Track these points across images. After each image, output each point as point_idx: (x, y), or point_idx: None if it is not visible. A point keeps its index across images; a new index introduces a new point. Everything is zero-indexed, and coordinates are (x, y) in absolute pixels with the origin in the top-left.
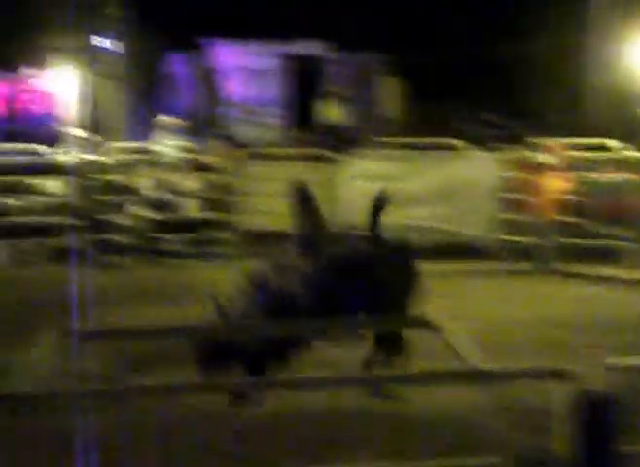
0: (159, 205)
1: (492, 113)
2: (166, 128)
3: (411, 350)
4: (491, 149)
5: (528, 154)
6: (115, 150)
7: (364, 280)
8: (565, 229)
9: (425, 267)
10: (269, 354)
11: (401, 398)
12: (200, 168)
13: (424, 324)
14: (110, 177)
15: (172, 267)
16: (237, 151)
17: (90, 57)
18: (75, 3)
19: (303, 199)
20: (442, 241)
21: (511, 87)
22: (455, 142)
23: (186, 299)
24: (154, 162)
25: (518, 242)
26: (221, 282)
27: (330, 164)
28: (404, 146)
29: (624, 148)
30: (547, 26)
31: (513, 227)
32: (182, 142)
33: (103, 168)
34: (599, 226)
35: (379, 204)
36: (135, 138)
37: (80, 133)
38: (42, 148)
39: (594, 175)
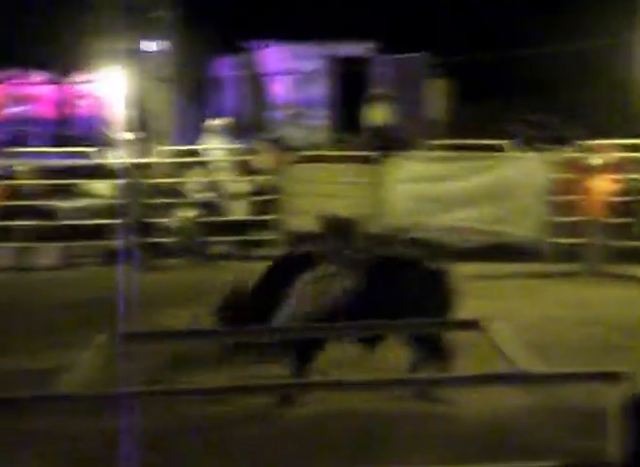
0: (206, 207)
1: (539, 114)
2: (214, 131)
3: (451, 353)
4: (539, 150)
5: (576, 155)
6: (163, 152)
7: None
8: (613, 230)
9: (472, 269)
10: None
11: (447, 400)
12: (248, 170)
13: (473, 326)
14: (158, 180)
15: (219, 268)
16: (284, 153)
17: (139, 61)
18: (123, 6)
19: (336, 232)
20: (489, 243)
21: (558, 87)
22: (503, 143)
23: None
24: (202, 165)
25: (566, 244)
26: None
27: (376, 166)
28: (450, 147)
29: None
30: (595, 25)
31: (560, 228)
32: (230, 144)
33: (152, 171)
34: None
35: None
36: (183, 141)
37: (128, 136)
38: (91, 151)
39: None
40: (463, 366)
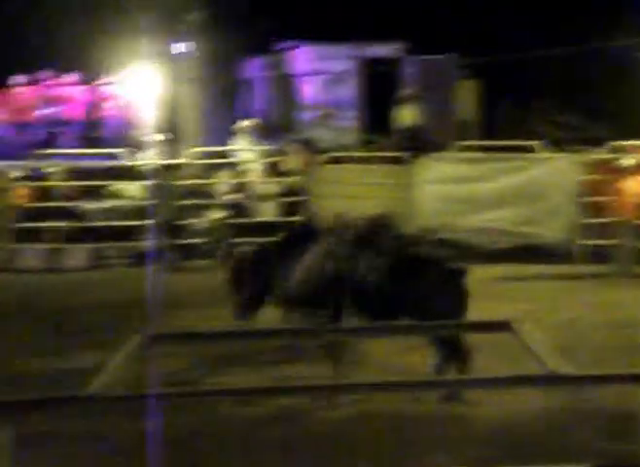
0: (235, 209)
1: (568, 114)
2: (243, 132)
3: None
4: (570, 151)
5: (608, 156)
6: (192, 154)
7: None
8: None
9: (501, 270)
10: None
11: (475, 402)
12: (277, 172)
13: (504, 327)
14: (187, 181)
15: None
16: (313, 154)
17: (169, 62)
18: (154, 8)
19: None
20: (518, 244)
21: (587, 87)
22: (534, 144)
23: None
24: (231, 166)
25: (597, 245)
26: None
27: (405, 167)
28: (481, 148)
29: None
30: (625, 26)
31: (592, 230)
32: (259, 146)
33: (181, 172)
34: None
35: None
36: (213, 142)
37: (158, 138)
38: (121, 152)
39: None
40: (493, 367)
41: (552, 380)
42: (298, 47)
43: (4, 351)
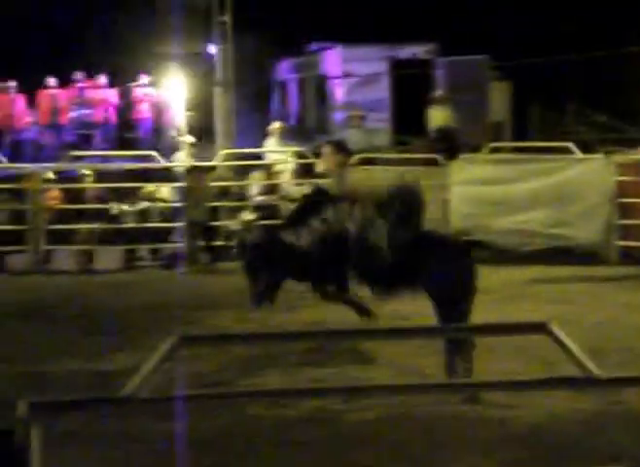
0: (267, 210)
1: (604, 116)
2: (276, 134)
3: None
4: (605, 152)
5: None
6: (226, 156)
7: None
8: None
9: (536, 272)
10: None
11: (506, 405)
12: (310, 174)
13: (540, 329)
14: (219, 183)
15: None
16: (346, 156)
17: (201, 64)
18: (186, 11)
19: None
20: (553, 246)
21: (623, 89)
22: (568, 145)
23: (295, 303)
24: (263, 168)
25: (633, 247)
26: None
27: (439, 169)
28: (514, 150)
29: None
30: None
31: (626, 231)
32: (292, 147)
33: (213, 174)
34: None
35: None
36: (246, 144)
37: (190, 139)
38: (154, 154)
39: None
40: (529, 369)
41: (591, 383)
42: (330, 48)
43: (37, 352)
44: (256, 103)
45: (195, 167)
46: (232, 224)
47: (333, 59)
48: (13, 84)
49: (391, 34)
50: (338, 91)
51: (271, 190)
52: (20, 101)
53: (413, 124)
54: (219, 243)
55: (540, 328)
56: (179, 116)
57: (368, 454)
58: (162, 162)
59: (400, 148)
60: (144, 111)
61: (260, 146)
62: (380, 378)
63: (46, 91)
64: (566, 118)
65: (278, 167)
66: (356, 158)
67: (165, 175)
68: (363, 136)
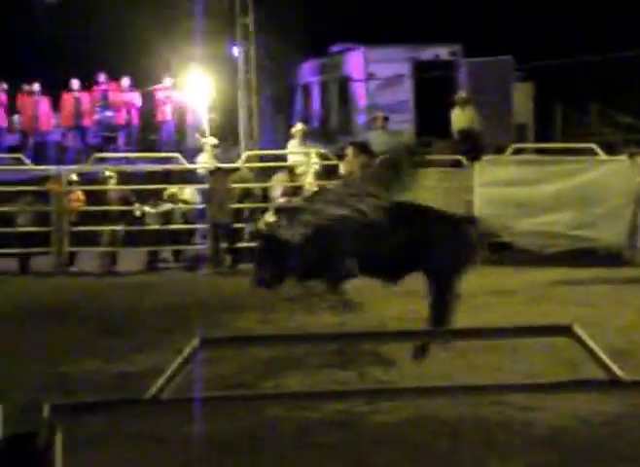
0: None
1: (629, 116)
2: (299, 136)
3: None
4: (629, 153)
5: None
6: (249, 157)
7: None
8: None
9: (559, 273)
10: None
11: (530, 407)
12: (334, 175)
13: (565, 332)
14: (242, 184)
15: None
16: (369, 157)
17: (224, 67)
18: (208, 14)
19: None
20: (576, 248)
21: None
22: (592, 147)
23: (316, 305)
24: (288, 170)
25: None
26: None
27: (462, 170)
28: (538, 151)
29: None
30: None
31: None
32: (316, 149)
33: (236, 176)
34: None
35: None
36: (269, 146)
37: (213, 141)
38: (177, 156)
39: None
40: (553, 371)
41: (615, 386)
42: (352, 50)
43: (60, 353)
44: (279, 105)
45: (219, 169)
46: (255, 226)
47: (355, 61)
48: (37, 86)
49: (414, 35)
50: (361, 93)
51: (294, 191)
52: (44, 104)
53: (436, 125)
54: (241, 245)
55: (565, 331)
56: (202, 118)
57: (390, 457)
58: (186, 164)
59: (423, 149)
60: (167, 113)
61: (283, 148)
62: (402, 381)
63: (69, 94)
64: (589, 119)
65: (301, 169)
66: (379, 159)
67: (188, 177)
68: (386, 138)
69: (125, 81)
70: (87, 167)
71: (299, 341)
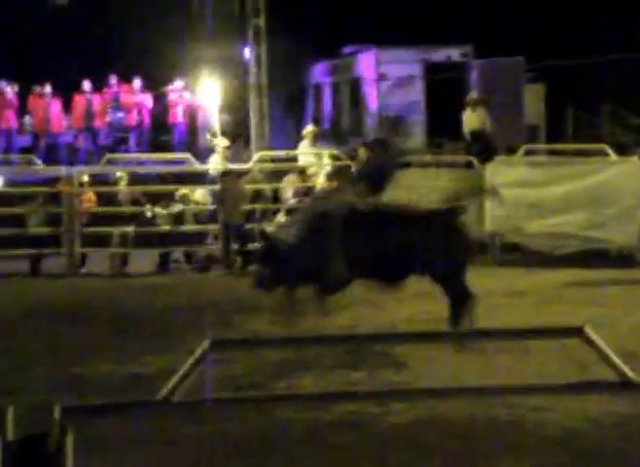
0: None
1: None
2: (310, 137)
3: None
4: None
5: None
6: (260, 158)
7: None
8: None
9: (571, 274)
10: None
11: (540, 408)
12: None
13: (577, 333)
14: (254, 185)
15: None
16: None
17: (235, 68)
18: (219, 15)
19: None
20: (588, 249)
21: None
22: (603, 148)
23: (328, 307)
24: (299, 171)
25: None
26: (359, 289)
27: (474, 172)
28: (549, 152)
29: None
30: None
31: None
32: (327, 150)
33: (247, 177)
34: None
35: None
36: (281, 147)
37: (225, 143)
38: (188, 157)
39: None
40: (564, 372)
41: (628, 387)
42: (364, 51)
43: (71, 355)
44: (290, 106)
45: (230, 171)
46: (266, 227)
47: (367, 62)
48: (48, 88)
49: (425, 37)
50: (373, 94)
51: (305, 193)
52: (56, 105)
53: (448, 126)
54: (253, 246)
55: (576, 332)
56: (213, 119)
57: (402, 458)
58: (197, 166)
59: (434, 150)
60: (178, 114)
61: (294, 149)
62: (414, 382)
63: (81, 95)
64: (601, 120)
65: (312, 170)
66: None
67: (200, 178)
68: (397, 139)
69: (137, 82)
70: (98, 169)
71: (310, 342)
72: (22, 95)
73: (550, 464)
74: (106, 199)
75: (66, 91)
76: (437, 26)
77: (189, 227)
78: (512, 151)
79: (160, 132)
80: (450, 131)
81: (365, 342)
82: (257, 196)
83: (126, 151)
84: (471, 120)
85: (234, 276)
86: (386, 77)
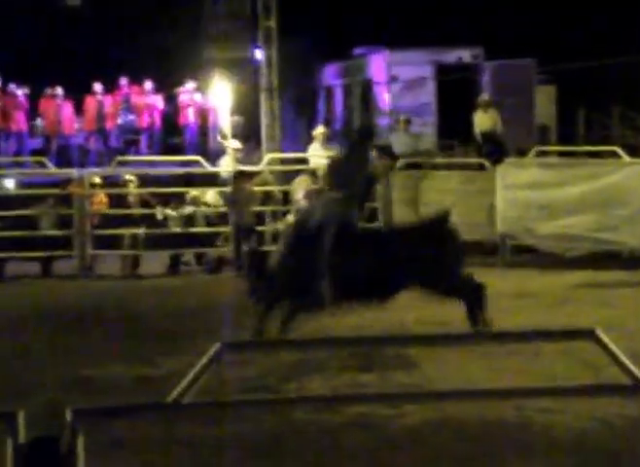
0: None
1: None
2: (320, 139)
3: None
4: None
5: None
6: (271, 160)
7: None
8: None
9: (582, 276)
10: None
11: (550, 410)
12: None
13: (588, 336)
14: (265, 187)
15: None
16: (392, 160)
17: (247, 70)
18: (230, 17)
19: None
20: (599, 250)
21: None
22: (615, 149)
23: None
24: (310, 172)
25: None
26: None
27: (485, 173)
28: (560, 154)
29: None
30: None
31: None
32: (336, 152)
33: (259, 178)
34: None
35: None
36: (292, 149)
37: (236, 145)
38: (199, 159)
39: None
40: (575, 374)
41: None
42: (375, 52)
43: (82, 357)
44: (301, 108)
45: (241, 172)
46: (278, 226)
47: (378, 64)
48: (60, 90)
49: (437, 38)
50: (384, 96)
51: (317, 194)
52: (67, 107)
53: (459, 128)
54: (265, 248)
55: (588, 335)
56: (224, 121)
57: (412, 459)
58: (208, 167)
59: (446, 152)
60: (189, 116)
61: (305, 151)
62: (424, 384)
63: (92, 97)
64: (612, 121)
65: (322, 171)
66: (402, 162)
67: (211, 180)
68: (408, 141)
69: (148, 84)
70: (109, 170)
71: (321, 345)
72: (34, 98)
73: (560, 466)
74: (117, 201)
75: (78, 93)
76: (448, 28)
77: (199, 229)
78: (523, 152)
79: (171, 134)
80: (461, 133)
81: (375, 345)
82: (267, 197)
83: (137, 153)
84: (482, 121)
85: (247, 278)
86: (397, 78)
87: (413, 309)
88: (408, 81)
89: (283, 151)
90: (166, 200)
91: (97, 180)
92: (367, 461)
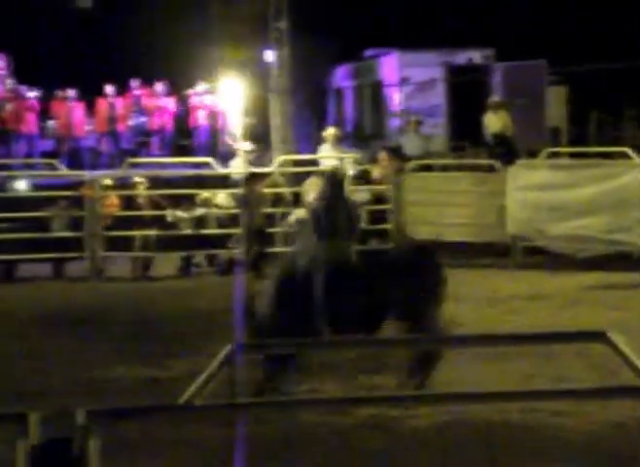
0: None
1: None
2: (331, 140)
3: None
4: None
5: None
6: (282, 162)
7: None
8: None
9: (593, 277)
10: None
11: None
12: (367, 180)
13: (599, 338)
14: (276, 189)
15: None
16: (402, 162)
17: (257, 71)
18: (241, 18)
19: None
20: (610, 252)
21: None
22: (626, 150)
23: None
24: (321, 174)
25: None
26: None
27: (496, 174)
28: (572, 155)
29: None
30: None
31: None
32: (348, 154)
33: (269, 180)
34: None
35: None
36: (303, 150)
37: (247, 146)
38: (210, 161)
39: None
40: (587, 376)
41: None
42: (386, 54)
43: (94, 359)
44: (312, 109)
45: (252, 174)
46: (288, 222)
47: (389, 65)
48: (71, 92)
49: (447, 39)
50: (395, 97)
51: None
52: (79, 109)
53: (469, 129)
54: (276, 249)
55: (599, 337)
56: (236, 123)
57: (422, 461)
58: (219, 169)
59: (456, 154)
60: (201, 118)
61: (315, 152)
62: (435, 386)
63: (104, 99)
64: (623, 122)
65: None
66: (412, 163)
67: (222, 181)
68: (419, 142)
69: (159, 86)
70: (120, 172)
71: (332, 346)
72: (45, 100)
73: None
74: (128, 203)
75: (89, 95)
76: (459, 29)
77: (211, 230)
78: (533, 154)
79: (182, 136)
80: (472, 134)
81: (387, 346)
82: (278, 199)
83: (149, 155)
84: (493, 123)
85: (257, 279)
86: (408, 80)
87: None
88: (418, 82)
89: (295, 152)
90: (177, 202)
91: (109, 182)
92: (378, 463)
